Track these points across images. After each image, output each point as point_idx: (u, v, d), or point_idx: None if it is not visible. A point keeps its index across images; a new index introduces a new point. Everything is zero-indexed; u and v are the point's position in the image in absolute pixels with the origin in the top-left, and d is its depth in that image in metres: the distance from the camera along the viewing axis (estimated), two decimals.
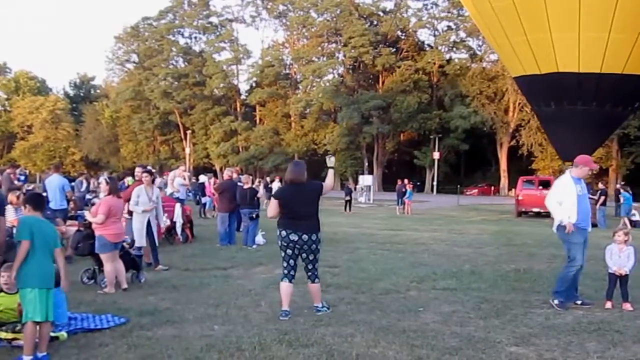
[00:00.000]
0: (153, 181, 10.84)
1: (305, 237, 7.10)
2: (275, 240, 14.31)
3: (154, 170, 12.61)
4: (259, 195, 15.03)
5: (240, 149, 71.71)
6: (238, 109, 74.87)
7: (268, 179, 37.29)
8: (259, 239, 14.05)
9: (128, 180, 13.05)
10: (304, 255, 7.20)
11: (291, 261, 7.22)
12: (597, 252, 9.64)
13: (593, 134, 20.16)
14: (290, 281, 7.25)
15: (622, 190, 27.61)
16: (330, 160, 7.78)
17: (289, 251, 7.18)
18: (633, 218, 23.74)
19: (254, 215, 13.97)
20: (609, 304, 7.78)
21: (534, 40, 18.45)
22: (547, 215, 26.84)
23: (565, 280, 7.86)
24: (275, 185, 31.00)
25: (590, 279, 9.35)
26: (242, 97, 76.21)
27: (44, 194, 11.50)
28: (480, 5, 19.42)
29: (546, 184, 29.75)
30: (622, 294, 7.83)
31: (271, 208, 7.30)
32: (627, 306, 7.70)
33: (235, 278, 9.62)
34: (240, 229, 14.96)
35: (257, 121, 73.86)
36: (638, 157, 54.48)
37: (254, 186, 15.33)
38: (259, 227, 14.29)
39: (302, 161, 8.17)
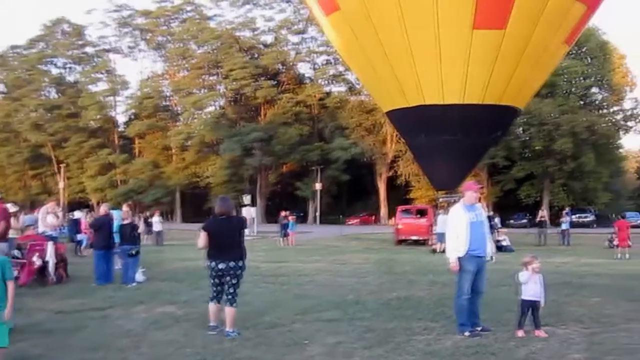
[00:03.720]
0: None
1: (232, 264, 7.79)
2: (156, 278, 14.06)
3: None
4: (139, 230, 14.55)
5: (118, 183, 69.40)
6: (115, 142, 72.57)
7: (147, 213, 36.18)
8: (139, 276, 13.53)
9: None
10: (228, 279, 7.83)
11: (218, 287, 7.92)
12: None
13: (462, 163, 21.10)
14: (218, 302, 7.96)
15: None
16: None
17: (217, 280, 7.88)
18: (504, 243, 25.02)
19: (133, 252, 13.48)
20: (521, 333, 7.65)
21: (401, 74, 19.13)
22: (424, 242, 28.06)
23: (462, 311, 7.88)
24: (156, 220, 30.08)
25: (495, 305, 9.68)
26: (120, 129, 74.03)
27: None
28: (350, 44, 19.94)
29: (423, 213, 30.93)
30: (536, 322, 7.76)
31: (201, 240, 7.88)
32: (541, 333, 7.65)
33: (113, 319, 9.19)
34: (119, 266, 14.39)
35: (136, 154, 71.86)
36: (506, 185, 57.88)
37: (133, 221, 14.83)
38: (139, 263, 13.81)
39: (228, 197, 8.96)
